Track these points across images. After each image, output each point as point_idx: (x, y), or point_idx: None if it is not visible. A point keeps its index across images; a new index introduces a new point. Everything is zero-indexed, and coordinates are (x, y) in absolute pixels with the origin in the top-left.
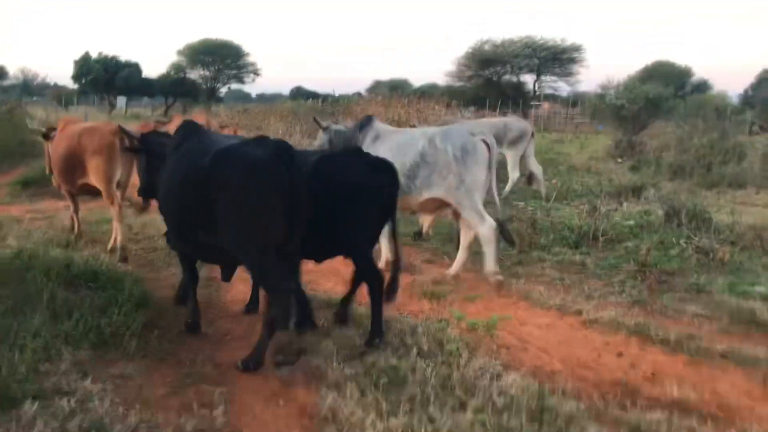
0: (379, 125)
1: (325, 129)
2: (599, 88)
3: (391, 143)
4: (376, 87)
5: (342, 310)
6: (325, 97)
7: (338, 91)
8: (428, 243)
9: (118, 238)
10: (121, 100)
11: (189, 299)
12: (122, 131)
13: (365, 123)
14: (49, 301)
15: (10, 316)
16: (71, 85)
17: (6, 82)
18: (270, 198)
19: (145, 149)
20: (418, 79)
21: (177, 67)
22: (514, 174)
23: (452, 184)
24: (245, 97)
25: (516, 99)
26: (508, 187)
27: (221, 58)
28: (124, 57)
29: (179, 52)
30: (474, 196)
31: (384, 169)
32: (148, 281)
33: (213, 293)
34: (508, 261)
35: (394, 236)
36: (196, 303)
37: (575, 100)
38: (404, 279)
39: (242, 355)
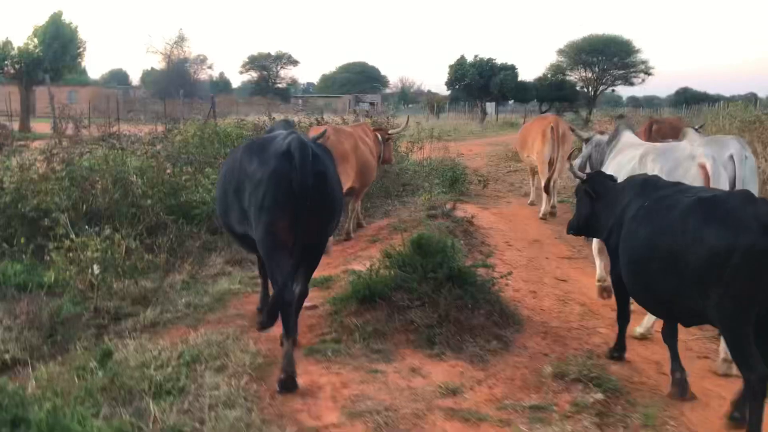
0: (626, 137)
1: (587, 141)
2: None
3: (618, 160)
4: None
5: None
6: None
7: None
8: None
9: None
10: (489, 107)
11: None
12: None
13: (614, 135)
14: None
15: None
16: (444, 92)
17: (387, 90)
18: (271, 193)
19: None
20: None
21: (556, 69)
22: None
23: None
24: (616, 101)
25: None
26: None
27: (608, 57)
28: (500, 60)
29: (560, 52)
30: None
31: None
32: None
33: None
34: None
35: None
36: None
37: None
38: None
39: None
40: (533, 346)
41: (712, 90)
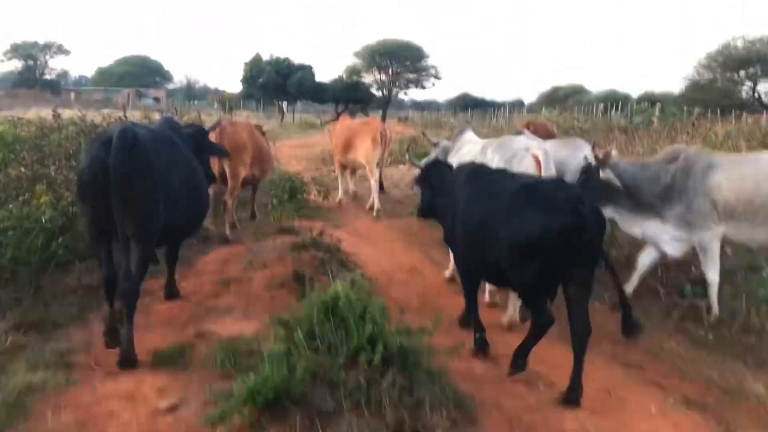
0: (467, 135)
1: (436, 145)
2: None
3: (461, 153)
4: (555, 94)
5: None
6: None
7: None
8: None
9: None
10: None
11: None
12: None
13: (458, 134)
14: None
15: None
16: (238, 89)
17: (170, 86)
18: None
19: None
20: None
21: (352, 70)
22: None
23: None
24: (401, 105)
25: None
26: None
27: (400, 61)
28: (297, 60)
29: (356, 54)
30: None
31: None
32: None
33: None
34: None
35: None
36: None
37: None
38: None
39: None
40: None
41: (488, 96)
